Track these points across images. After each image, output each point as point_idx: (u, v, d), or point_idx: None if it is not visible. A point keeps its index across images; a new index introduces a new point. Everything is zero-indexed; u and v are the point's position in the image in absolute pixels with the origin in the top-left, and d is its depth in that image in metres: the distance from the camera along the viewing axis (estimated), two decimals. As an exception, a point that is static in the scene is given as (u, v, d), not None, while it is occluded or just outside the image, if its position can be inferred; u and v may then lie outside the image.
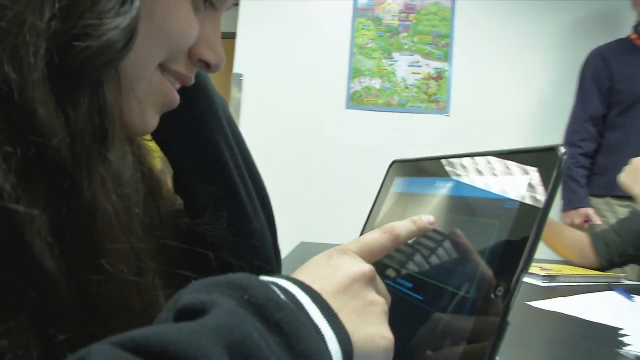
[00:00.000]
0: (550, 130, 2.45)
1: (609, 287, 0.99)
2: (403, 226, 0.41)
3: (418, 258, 0.44)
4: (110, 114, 0.32)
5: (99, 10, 0.29)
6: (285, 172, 2.50)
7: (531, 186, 0.35)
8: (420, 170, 0.52)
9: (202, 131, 0.51)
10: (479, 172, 0.42)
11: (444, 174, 0.47)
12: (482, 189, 0.40)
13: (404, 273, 0.44)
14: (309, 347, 0.26)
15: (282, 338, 0.25)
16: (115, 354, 0.19)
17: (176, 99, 0.43)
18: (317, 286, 0.32)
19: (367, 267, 0.36)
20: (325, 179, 2.56)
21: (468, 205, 0.41)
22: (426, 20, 2.56)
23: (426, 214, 0.44)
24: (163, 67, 0.40)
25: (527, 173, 0.36)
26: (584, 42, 2.48)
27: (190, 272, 0.46)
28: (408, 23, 2.56)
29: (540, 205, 0.33)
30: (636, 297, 0.88)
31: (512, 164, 0.38)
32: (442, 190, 0.46)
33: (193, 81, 0.44)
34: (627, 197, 2.00)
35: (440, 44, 2.55)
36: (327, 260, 0.36)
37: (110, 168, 0.31)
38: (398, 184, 0.55)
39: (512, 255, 0.33)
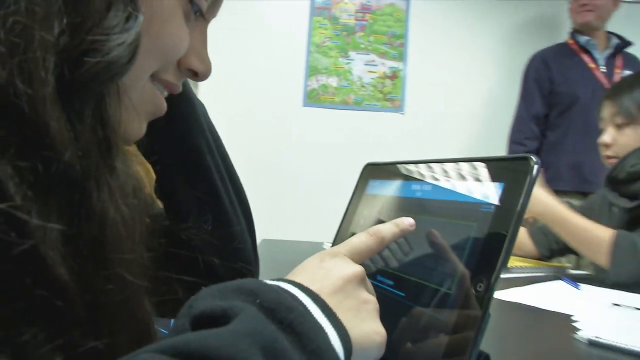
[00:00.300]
0: (497, 128, 2.57)
1: (557, 277, 1.07)
2: (387, 229, 0.44)
3: (397, 257, 0.47)
4: (112, 124, 0.33)
5: (106, 26, 0.30)
6: (243, 169, 2.48)
7: (505, 191, 0.38)
8: (395, 173, 0.55)
9: (185, 136, 0.52)
10: (453, 177, 0.45)
11: (419, 178, 0.50)
12: (457, 193, 0.43)
13: (384, 271, 0.47)
14: (320, 345, 0.28)
15: (295, 338, 0.27)
16: None
17: (165, 106, 0.44)
18: (314, 288, 0.34)
19: (358, 268, 0.38)
20: (283, 176, 2.58)
21: (444, 208, 0.44)
22: (381, 20, 2.61)
23: (403, 216, 0.47)
24: (153, 77, 0.41)
25: (500, 179, 0.39)
26: (527, 44, 2.62)
27: (174, 274, 0.47)
28: (364, 22, 2.61)
29: (514, 208, 0.36)
30: (582, 286, 0.95)
31: (485, 171, 0.42)
32: (418, 193, 0.49)
33: (180, 89, 0.45)
34: (564, 192, 2.14)
35: (395, 44, 2.62)
36: (320, 262, 0.39)
37: (117, 178, 0.32)
38: (373, 186, 0.58)
39: (490, 254, 0.37)
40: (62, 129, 0.28)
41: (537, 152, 2.28)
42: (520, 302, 0.80)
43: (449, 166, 0.47)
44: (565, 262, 1.71)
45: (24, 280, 0.27)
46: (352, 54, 2.60)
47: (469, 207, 0.41)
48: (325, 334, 0.30)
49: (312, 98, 2.59)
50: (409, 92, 2.62)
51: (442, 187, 0.46)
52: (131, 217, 0.33)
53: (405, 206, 0.50)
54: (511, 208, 0.37)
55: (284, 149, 2.59)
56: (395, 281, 0.45)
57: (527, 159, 0.37)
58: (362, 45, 2.61)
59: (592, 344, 0.57)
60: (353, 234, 0.55)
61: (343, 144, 2.60)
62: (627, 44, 2.31)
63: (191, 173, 0.53)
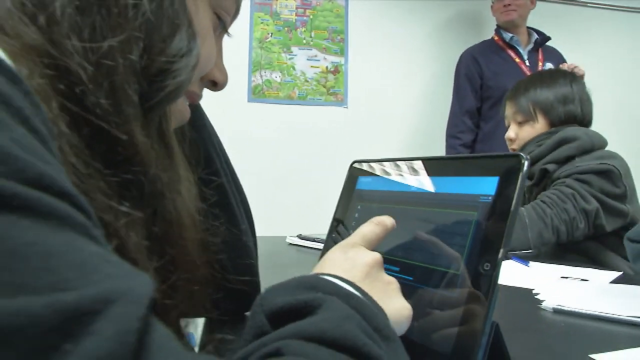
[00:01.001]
0: (436, 120, 2.71)
1: (506, 257, 1.18)
2: (387, 218, 0.49)
3: (400, 245, 0.52)
4: (169, 136, 0.36)
5: (174, 49, 0.33)
6: (190, 167, 2.46)
7: (500, 184, 0.45)
8: (385, 170, 0.60)
9: (198, 140, 0.55)
10: (447, 172, 0.51)
11: (412, 174, 0.56)
12: (454, 186, 0.50)
13: (388, 259, 0.53)
14: (381, 322, 0.33)
15: (363, 318, 0.32)
16: (305, 346, 0.24)
17: (189, 115, 0.46)
18: (349, 277, 0.39)
19: (377, 254, 0.44)
20: (230, 172, 2.58)
21: (443, 200, 0.50)
22: (322, 16, 2.67)
23: (403, 208, 0.52)
24: None
25: (494, 174, 0.46)
26: (457, 40, 2.79)
27: None
28: (305, 18, 2.65)
29: (511, 198, 0.43)
30: (530, 263, 1.06)
31: (479, 167, 0.48)
32: (413, 187, 0.55)
33: (201, 99, 0.48)
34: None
35: (336, 39, 2.68)
36: (343, 254, 0.43)
37: (181, 184, 0.35)
38: (364, 182, 0.63)
39: (492, 238, 0.43)
40: (148, 146, 0.30)
41: (472, 143, 2.45)
42: (484, 280, 0.88)
43: (441, 163, 0.53)
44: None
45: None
46: (294, 49, 2.64)
47: (468, 199, 0.47)
48: (375, 313, 0.35)
49: (257, 93, 2.60)
50: (351, 86, 2.70)
51: (438, 181, 0.52)
52: (193, 216, 0.36)
53: (403, 199, 0.55)
54: (508, 197, 0.43)
55: (230, 145, 2.58)
56: (401, 267, 0.51)
57: (518, 156, 0.44)
58: (304, 41, 2.65)
59: (557, 311, 0.66)
60: (352, 226, 0.60)
61: (289, 139, 2.64)
62: (547, 38, 2.53)
63: (205, 178, 0.55)
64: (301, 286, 0.33)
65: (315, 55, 2.66)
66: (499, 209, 0.44)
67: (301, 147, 2.63)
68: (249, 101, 2.61)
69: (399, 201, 0.55)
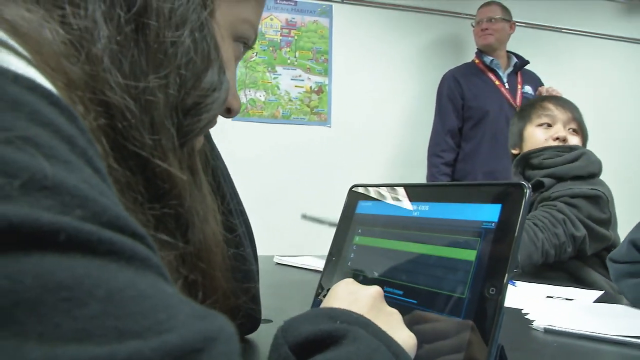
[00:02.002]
0: (418, 139, 2.76)
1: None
2: None
3: (402, 270, 0.54)
4: (197, 167, 0.37)
5: (206, 83, 0.34)
6: (173, 184, 2.45)
7: (503, 211, 0.47)
8: (386, 194, 0.62)
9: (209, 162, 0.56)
10: (450, 199, 0.53)
11: (413, 199, 0.57)
12: (456, 212, 0.51)
13: (390, 282, 0.54)
14: (399, 349, 0.34)
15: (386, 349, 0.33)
16: None
17: (202, 142, 0.47)
18: (354, 310, 0.40)
19: (377, 287, 0.45)
20: (213, 190, 2.57)
21: (445, 226, 0.52)
22: (306, 36, 2.71)
23: (406, 233, 0.54)
24: None
25: (497, 201, 0.48)
26: (439, 61, 2.85)
27: None
28: (289, 39, 2.69)
29: (515, 224, 0.45)
30: (517, 282, 1.09)
31: (481, 194, 0.50)
32: (415, 212, 0.56)
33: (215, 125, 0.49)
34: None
35: (320, 60, 2.72)
36: (347, 290, 0.45)
37: (209, 213, 0.36)
38: (364, 207, 0.65)
39: (497, 263, 0.45)
40: (184, 179, 0.31)
41: (453, 162, 2.50)
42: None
43: (443, 189, 0.55)
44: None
45: None
46: (279, 68, 2.67)
47: (471, 225, 0.49)
48: (394, 341, 0.36)
49: (241, 112, 2.61)
50: (335, 106, 2.74)
51: (440, 207, 0.54)
52: (218, 235, 0.37)
53: (404, 224, 0.57)
54: (511, 224, 0.45)
55: (213, 163, 2.58)
56: (404, 290, 0.52)
57: (521, 185, 0.46)
58: (288, 61, 2.68)
59: (548, 331, 0.68)
60: (352, 250, 0.62)
61: (272, 157, 2.65)
62: (525, 62, 2.62)
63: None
64: (321, 316, 0.34)
65: (300, 75, 2.69)
66: (503, 235, 0.46)
67: (285, 166, 2.64)
68: (233, 120, 2.61)
69: (400, 226, 0.57)
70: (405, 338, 0.42)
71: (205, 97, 0.33)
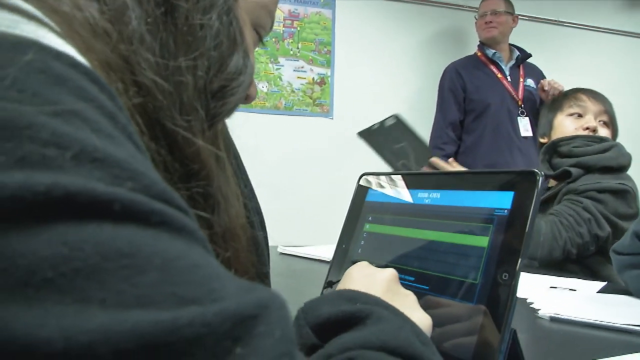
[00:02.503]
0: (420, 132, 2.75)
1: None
2: None
3: (413, 256, 0.54)
4: (221, 150, 0.37)
5: (232, 68, 0.34)
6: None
7: (516, 198, 0.47)
8: (396, 183, 0.62)
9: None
10: (461, 186, 0.54)
11: (424, 187, 0.58)
12: (468, 200, 0.52)
13: (402, 269, 0.55)
14: (419, 329, 0.35)
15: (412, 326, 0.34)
16: (374, 355, 0.26)
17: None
18: (371, 292, 0.41)
19: (392, 270, 0.46)
20: (215, 180, 2.57)
21: (457, 213, 0.53)
22: (309, 28, 2.70)
23: (418, 220, 0.55)
24: None
25: (510, 189, 0.48)
26: (442, 54, 2.85)
27: None
28: (292, 30, 2.68)
29: (528, 211, 0.45)
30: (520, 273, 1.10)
31: (493, 182, 0.50)
32: (427, 200, 0.57)
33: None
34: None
35: (322, 51, 2.72)
36: (362, 273, 0.46)
37: (231, 187, 0.36)
38: (374, 195, 0.65)
39: (510, 249, 0.45)
40: (213, 160, 0.32)
41: (455, 155, 2.50)
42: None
43: (455, 177, 0.55)
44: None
45: None
46: (281, 60, 2.66)
47: (484, 212, 0.50)
48: (414, 322, 0.37)
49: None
50: (337, 98, 2.74)
51: (452, 195, 0.54)
52: (245, 224, 0.37)
53: (415, 211, 0.57)
54: (525, 211, 0.46)
55: (215, 153, 2.58)
56: (415, 277, 0.53)
57: (533, 173, 0.47)
58: (291, 52, 2.68)
59: (553, 320, 0.69)
60: (363, 237, 0.62)
61: (275, 148, 2.65)
62: (527, 55, 2.61)
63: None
64: (341, 298, 0.35)
65: (302, 67, 2.69)
66: (516, 221, 0.46)
67: (286, 157, 2.65)
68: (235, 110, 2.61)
69: (411, 213, 0.57)
70: (421, 318, 0.42)
71: (232, 81, 0.34)
